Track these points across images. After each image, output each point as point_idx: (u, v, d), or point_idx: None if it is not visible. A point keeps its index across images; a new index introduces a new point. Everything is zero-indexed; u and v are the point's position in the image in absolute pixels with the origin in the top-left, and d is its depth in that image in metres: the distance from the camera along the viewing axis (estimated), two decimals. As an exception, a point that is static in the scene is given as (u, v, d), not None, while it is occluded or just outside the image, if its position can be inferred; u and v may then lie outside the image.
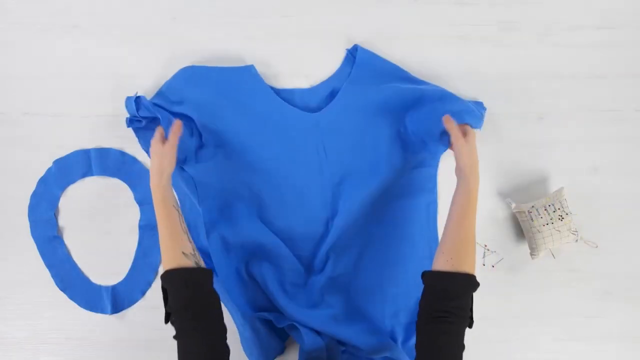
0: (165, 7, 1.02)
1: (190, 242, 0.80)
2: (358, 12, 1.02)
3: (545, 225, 0.95)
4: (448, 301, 0.73)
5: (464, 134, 0.85)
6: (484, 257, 1.01)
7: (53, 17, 1.01)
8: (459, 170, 0.84)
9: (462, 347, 0.73)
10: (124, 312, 0.99)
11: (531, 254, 0.98)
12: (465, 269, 0.75)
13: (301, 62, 1.02)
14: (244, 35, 1.02)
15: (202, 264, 0.79)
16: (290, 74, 1.01)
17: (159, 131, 0.86)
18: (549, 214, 0.96)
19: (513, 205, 0.99)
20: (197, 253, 0.80)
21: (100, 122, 1.01)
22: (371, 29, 1.02)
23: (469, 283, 0.75)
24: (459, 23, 1.03)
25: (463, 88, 1.02)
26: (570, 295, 1.01)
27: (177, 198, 0.83)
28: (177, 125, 0.86)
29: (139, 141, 0.98)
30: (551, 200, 0.97)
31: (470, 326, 0.75)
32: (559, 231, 0.95)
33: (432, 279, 0.77)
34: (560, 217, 0.95)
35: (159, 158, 0.83)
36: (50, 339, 0.99)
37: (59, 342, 0.99)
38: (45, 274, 0.99)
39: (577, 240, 0.97)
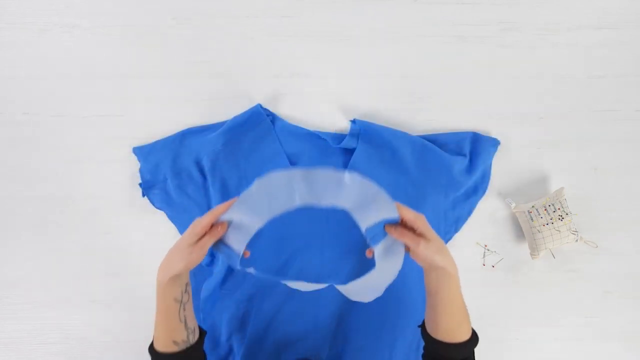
0: (165, 7, 1.02)
1: (187, 327, 0.75)
2: (358, 12, 1.03)
3: (545, 225, 0.95)
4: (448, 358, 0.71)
5: (417, 231, 0.70)
6: (484, 257, 1.01)
7: (53, 17, 1.01)
8: (432, 269, 0.71)
9: None
10: (123, 312, 0.99)
11: (531, 254, 0.98)
12: (463, 337, 0.72)
13: (301, 62, 1.02)
14: (244, 35, 1.02)
15: (195, 339, 0.76)
16: (291, 74, 1.02)
17: (195, 229, 0.69)
18: (549, 214, 0.96)
19: (513, 205, 0.99)
20: (192, 335, 0.75)
21: (100, 122, 1.01)
22: (371, 29, 1.03)
23: (470, 346, 0.72)
24: (459, 23, 1.03)
25: (463, 88, 1.02)
26: (570, 295, 1.01)
27: (186, 287, 0.74)
28: (220, 229, 0.70)
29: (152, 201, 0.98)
30: (551, 200, 0.97)
31: None
32: (559, 231, 0.95)
33: (432, 345, 0.74)
34: (560, 217, 0.95)
35: (175, 255, 0.69)
36: (50, 339, 0.99)
37: (59, 342, 0.99)
38: (45, 274, 0.99)
39: (577, 240, 0.97)
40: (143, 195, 0.97)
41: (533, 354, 1.01)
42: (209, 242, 0.70)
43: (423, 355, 0.76)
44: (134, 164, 0.99)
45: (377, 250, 0.72)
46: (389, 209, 0.69)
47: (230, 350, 0.95)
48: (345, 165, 0.99)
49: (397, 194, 0.97)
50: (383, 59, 1.03)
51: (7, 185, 1.00)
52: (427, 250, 0.69)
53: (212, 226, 0.70)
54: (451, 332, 0.72)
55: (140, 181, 0.97)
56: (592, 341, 1.01)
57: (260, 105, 0.98)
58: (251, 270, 0.73)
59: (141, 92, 1.01)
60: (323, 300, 0.94)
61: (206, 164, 0.95)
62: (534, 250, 0.97)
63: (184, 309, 0.73)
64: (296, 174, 0.67)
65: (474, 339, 0.74)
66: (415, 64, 1.02)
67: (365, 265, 0.88)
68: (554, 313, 1.01)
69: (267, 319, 0.93)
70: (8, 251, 0.99)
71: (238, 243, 0.71)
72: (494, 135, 1.01)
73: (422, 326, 0.77)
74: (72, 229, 1.00)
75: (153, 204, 0.97)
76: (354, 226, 0.73)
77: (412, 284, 0.97)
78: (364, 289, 0.77)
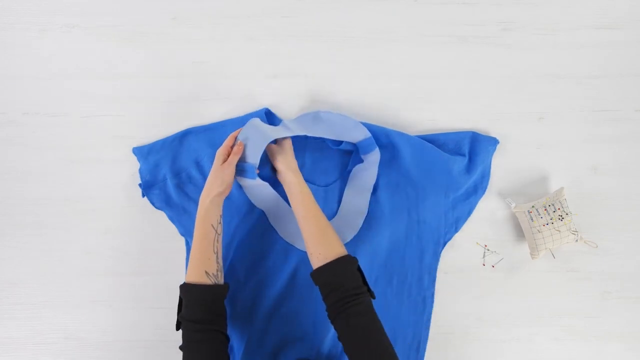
0: (165, 7, 1.02)
1: (218, 262, 0.82)
2: (358, 12, 1.03)
3: (545, 225, 0.95)
4: (340, 289, 0.75)
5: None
6: (484, 257, 1.01)
7: (53, 17, 1.02)
8: (278, 175, 0.92)
9: (378, 320, 0.75)
10: (123, 312, 0.99)
11: (531, 254, 0.98)
12: (333, 254, 0.78)
13: (301, 62, 1.02)
14: (244, 35, 1.02)
15: (221, 282, 0.82)
16: (291, 74, 1.02)
17: (221, 151, 0.87)
18: (549, 214, 0.96)
19: (513, 205, 0.99)
20: (220, 274, 0.82)
21: (100, 122, 1.01)
22: (371, 29, 1.03)
23: (344, 264, 0.78)
24: (459, 23, 1.03)
25: (463, 88, 1.02)
26: (570, 295, 1.01)
27: (220, 219, 0.84)
28: (238, 147, 0.88)
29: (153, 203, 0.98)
30: (551, 200, 0.97)
31: (373, 297, 0.77)
32: (559, 231, 0.95)
33: (316, 277, 0.80)
34: (560, 217, 0.95)
35: (213, 176, 0.85)
36: (50, 339, 0.99)
37: (58, 342, 0.99)
38: (45, 274, 0.99)
39: (577, 240, 0.97)
40: (143, 196, 0.97)
41: (533, 354, 1.01)
42: (234, 158, 0.86)
43: (325, 302, 0.79)
44: (134, 164, 0.99)
45: (347, 190, 0.97)
46: (358, 130, 0.95)
47: (230, 350, 0.95)
48: (345, 166, 0.99)
49: (397, 195, 0.97)
50: (383, 59, 1.03)
51: (6, 185, 1.00)
52: (276, 154, 0.91)
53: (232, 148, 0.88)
54: (320, 249, 0.79)
55: (140, 181, 0.97)
56: (592, 341, 1.01)
57: (268, 110, 0.99)
58: (261, 182, 0.91)
59: (141, 92, 1.01)
60: (321, 300, 0.94)
61: (206, 164, 0.95)
62: (534, 250, 0.97)
63: (217, 242, 0.83)
64: (287, 120, 0.95)
65: (346, 259, 0.78)
66: (415, 64, 1.03)
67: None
68: (554, 313, 1.01)
69: (266, 319, 0.93)
70: (8, 251, 0.99)
71: (253, 157, 0.88)
72: (493, 135, 1.01)
73: (311, 274, 0.81)
74: (72, 229, 1.00)
75: (153, 204, 0.97)
76: None
77: (412, 284, 0.97)
78: (345, 223, 0.94)
